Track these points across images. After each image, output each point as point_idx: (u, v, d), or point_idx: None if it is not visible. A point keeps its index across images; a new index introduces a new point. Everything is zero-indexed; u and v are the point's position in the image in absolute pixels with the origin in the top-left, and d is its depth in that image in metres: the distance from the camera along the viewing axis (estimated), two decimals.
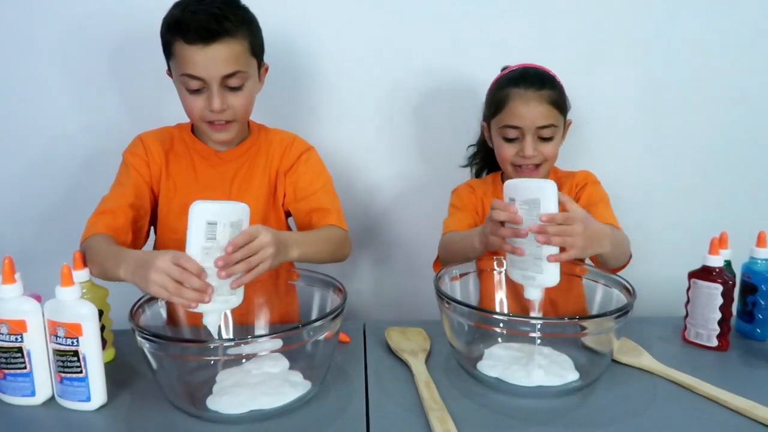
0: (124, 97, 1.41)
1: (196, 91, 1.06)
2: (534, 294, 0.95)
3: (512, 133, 1.15)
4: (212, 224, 0.83)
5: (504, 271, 1.09)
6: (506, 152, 1.17)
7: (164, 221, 1.17)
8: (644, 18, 1.43)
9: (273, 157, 1.20)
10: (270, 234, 0.89)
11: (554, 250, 0.91)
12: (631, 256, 1.12)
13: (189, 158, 1.18)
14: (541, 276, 0.93)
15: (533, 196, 0.92)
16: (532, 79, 1.13)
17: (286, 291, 1.08)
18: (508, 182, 0.97)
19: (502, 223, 0.95)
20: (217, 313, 0.88)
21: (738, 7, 1.43)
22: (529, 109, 1.12)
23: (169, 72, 1.12)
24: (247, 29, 1.07)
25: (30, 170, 1.43)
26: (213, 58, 1.02)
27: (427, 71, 1.45)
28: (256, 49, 1.10)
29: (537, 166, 1.17)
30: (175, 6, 1.05)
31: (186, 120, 1.18)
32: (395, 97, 1.46)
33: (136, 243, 1.14)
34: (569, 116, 1.20)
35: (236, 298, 0.89)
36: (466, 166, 1.35)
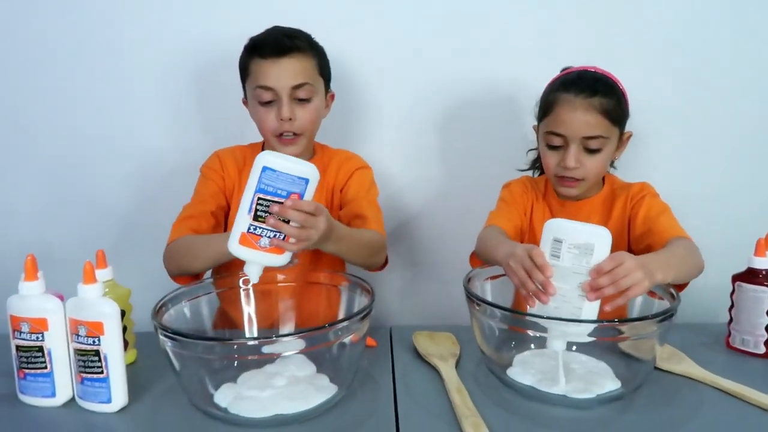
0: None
1: (267, 104, 1.13)
2: (559, 345, 0.85)
3: (556, 141, 1.08)
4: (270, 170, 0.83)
5: None
6: (548, 160, 1.11)
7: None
8: (676, 20, 1.39)
9: (330, 175, 1.23)
10: (326, 223, 0.90)
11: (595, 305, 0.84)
12: (703, 268, 1.01)
13: None
14: (576, 327, 0.84)
15: (586, 241, 0.83)
16: (585, 85, 1.06)
17: (332, 295, 1.05)
18: (553, 221, 0.89)
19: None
20: (259, 267, 0.88)
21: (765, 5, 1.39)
22: (575, 117, 1.05)
23: (245, 99, 1.20)
24: (315, 51, 1.17)
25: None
26: (284, 70, 1.12)
27: (454, 78, 1.42)
28: (324, 70, 1.19)
29: (578, 180, 1.10)
30: (253, 36, 1.17)
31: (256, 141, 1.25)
32: (425, 101, 1.44)
33: None
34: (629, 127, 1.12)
35: (279, 259, 0.88)
36: (527, 170, 1.29)
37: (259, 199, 0.84)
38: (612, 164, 1.20)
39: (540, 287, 0.86)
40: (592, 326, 0.84)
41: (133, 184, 1.45)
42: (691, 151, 1.46)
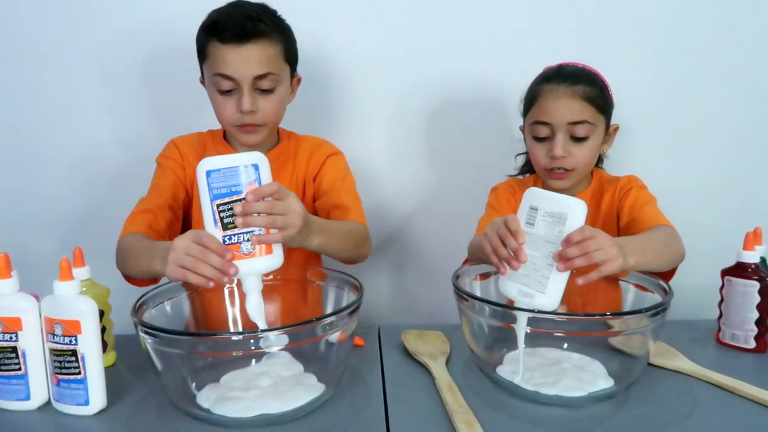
0: (154, 109, 1.41)
1: (227, 93, 1.05)
2: (523, 318, 0.82)
3: (542, 131, 1.07)
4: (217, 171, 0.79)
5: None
6: (537, 154, 1.10)
7: (196, 226, 1.14)
8: (663, 17, 1.39)
9: (300, 163, 1.17)
10: (300, 205, 0.85)
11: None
12: (683, 255, 1.01)
13: None
14: (542, 297, 0.82)
15: (560, 210, 0.83)
16: (567, 74, 1.07)
17: (317, 294, 1.02)
18: (532, 190, 0.87)
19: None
20: (255, 277, 0.82)
21: (758, 3, 1.40)
22: (559, 104, 1.05)
23: (202, 79, 1.11)
24: (281, 35, 1.07)
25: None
26: (246, 58, 1.02)
27: (443, 78, 1.41)
28: (290, 56, 1.10)
29: (568, 170, 1.08)
30: (213, 11, 1.07)
31: (215, 128, 1.18)
32: (414, 102, 1.43)
33: None
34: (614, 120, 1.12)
35: (271, 261, 0.82)
36: (517, 174, 1.27)
37: (218, 206, 0.79)
38: (600, 159, 1.20)
39: (512, 254, 0.85)
40: (560, 297, 0.82)
41: (116, 181, 1.41)
42: (677, 146, 1.45)
